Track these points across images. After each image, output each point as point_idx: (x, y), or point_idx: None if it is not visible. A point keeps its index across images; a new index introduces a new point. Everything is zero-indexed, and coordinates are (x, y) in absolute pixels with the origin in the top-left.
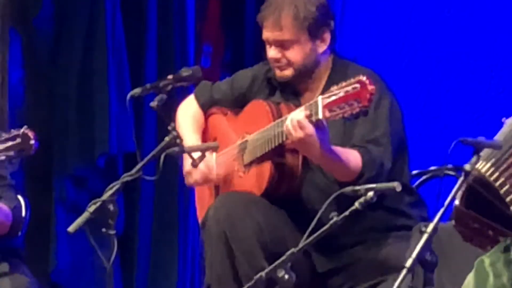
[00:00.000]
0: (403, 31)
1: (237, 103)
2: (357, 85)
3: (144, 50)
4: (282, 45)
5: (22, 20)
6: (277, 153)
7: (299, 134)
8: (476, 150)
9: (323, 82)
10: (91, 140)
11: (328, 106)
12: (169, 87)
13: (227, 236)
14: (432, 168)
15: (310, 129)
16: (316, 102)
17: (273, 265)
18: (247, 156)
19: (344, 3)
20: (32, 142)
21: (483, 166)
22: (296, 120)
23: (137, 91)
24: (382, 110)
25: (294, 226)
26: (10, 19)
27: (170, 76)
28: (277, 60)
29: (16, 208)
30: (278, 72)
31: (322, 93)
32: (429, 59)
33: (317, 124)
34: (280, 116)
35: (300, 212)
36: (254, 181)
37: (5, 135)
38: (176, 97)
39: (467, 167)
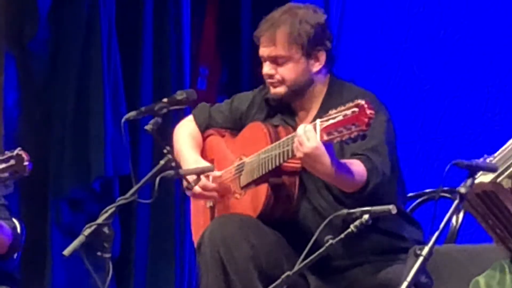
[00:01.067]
0: (399, 52)
1: (235, 125)
2: (356, 109)
3: (139, 73)
4: (275, 61)
5: (17, 43)
6: (274, 175)
7: (311, 144)
8: (470, 172)
9: (319, 102)
10: (87, 163)
11: (326, 130)
12: (164, 110)
13: (222, 260)
14: (428, 190)
15: (318, 142)
16: (314, 125)
17: None
18: (244, 178)
19: (340, 24)
20: (26, 163)
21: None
22: (305, 130)
23: (132, 114)
24: (378, 124)
25: (290, 249)
26: (5, 42)
27: (165, 99)
28: (270, 76)
29: (15, 229)
30: (271, 89)
31: (319, 113)
32: (425, 80)
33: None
34: (278, 139)
35: (297, 235)
36: (250, 203)
37: None
38: (171, 120)
39: (461, 189)
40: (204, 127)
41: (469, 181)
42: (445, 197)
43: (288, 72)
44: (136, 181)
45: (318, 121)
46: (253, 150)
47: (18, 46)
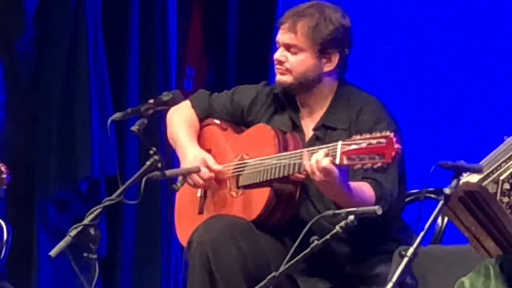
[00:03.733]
0: (385, 53)
1: (235, 119)
2: (383, 140)
3: (126, 74)
4: (289, 49)
5: (3, 44)
6: (278, 182)
7: (324, 178)
8: (455, 173)
9: (326, 105)
10: (73, 164)
11: (346, 154)
12: (150, 112)
13: (210, 262)
14: (413, 191)
15: (335, 173)
16: (335, 147)
17: None
18: (244, 178)
19: None
20: (4, 176)
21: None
22: (322, 166)
23: (118, 115)
24: None
25: (281, 253)
26: None
27: (151, 101)
28: (280, 63)
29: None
30: (278, 77)
31: (325, 115)
32: (411, 82)
33: (339, 166)
34: (286, 147)
35: (290, 239)
36: (247, 204)
37: None
38: (158, 121)
39: (446, 190)
40: (203, 115)
41: (454, 182)
42: (430, 198)
43: (298, 63)
44: (122, 182)
45: (340, 143)
46: (258, 152)
47: (4, 47)
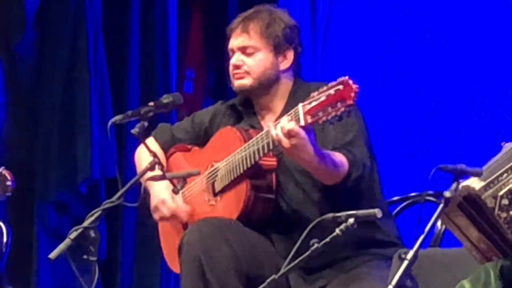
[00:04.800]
0: (385, 56)
1: (199, 140)
2: (340, 86)
3: (126, 76)
4: (244, 51)
5: (4, 46)
6: (252, 174)
7: (293, 141)
8: (455, 177)
9: (284, 102)
10: (73, 166)
11: (309, 112)
12: (150, 114)
13: (201, 261)
14: (413, 194)
15: (302, 134)
16: (296, 110)
17: None
18: (219, 183)
19: (326, 27)
20: (9, 183)
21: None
22: (287, 129)
23: (118, 117)
24: (350, 118)
25: (271, 249)
26: None
27: (151, 103)
28: (237, 67)
29: (0, 233)
30: (236, 82)
31: (285, 110)
32: (411, 84)
33: (306, 128)
34: (250, 139)
35: (276, 232)
36: (228, 206)
37: None
38: (157, 123)
39: (446, 194)
40: (167, 146)
41: (454, 186)
42: (430, 201)
43: (256, 63)
44: (122, 184)
45: (300, 105)
46: (226, 154)
47: (5, 48)
